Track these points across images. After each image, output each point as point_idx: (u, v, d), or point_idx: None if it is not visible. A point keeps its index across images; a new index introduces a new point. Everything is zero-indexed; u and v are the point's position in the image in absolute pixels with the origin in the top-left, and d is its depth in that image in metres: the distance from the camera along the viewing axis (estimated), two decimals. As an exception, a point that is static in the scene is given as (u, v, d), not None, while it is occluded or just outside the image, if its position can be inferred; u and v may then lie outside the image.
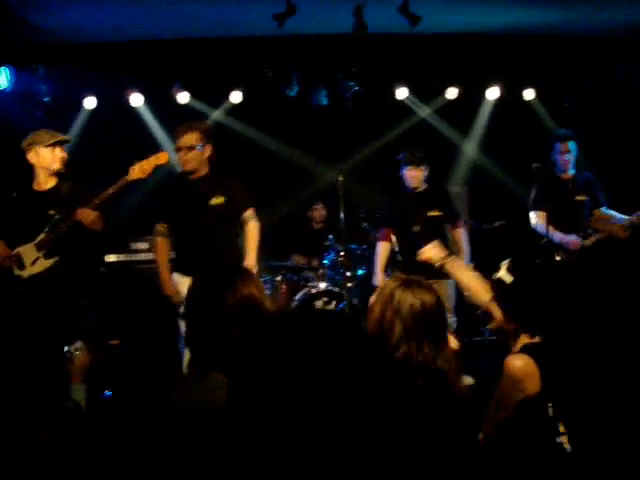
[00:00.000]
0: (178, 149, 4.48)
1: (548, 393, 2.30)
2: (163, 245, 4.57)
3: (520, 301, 2.52)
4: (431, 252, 3.08)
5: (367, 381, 1.15)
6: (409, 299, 2.22)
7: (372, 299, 2.37)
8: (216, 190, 4.48)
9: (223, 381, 1.93)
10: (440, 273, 3.10)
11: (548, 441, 2.20)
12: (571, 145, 5.50)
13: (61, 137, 4.43)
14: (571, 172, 5.56)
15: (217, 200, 4.46)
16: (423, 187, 5.45)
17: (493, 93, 7.18)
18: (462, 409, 2.13)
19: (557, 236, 5.32)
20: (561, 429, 2.28)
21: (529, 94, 7.23)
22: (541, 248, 5.29)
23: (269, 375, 1.14)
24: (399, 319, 2.20)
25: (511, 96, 7.22)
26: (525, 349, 2.43)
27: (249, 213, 4.56)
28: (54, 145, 4.33)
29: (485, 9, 6.05)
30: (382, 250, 5.46)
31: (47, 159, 4.34)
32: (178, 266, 4.53)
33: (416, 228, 5.26)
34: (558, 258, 5.14)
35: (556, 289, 2.48)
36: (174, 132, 4.61)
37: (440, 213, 5.39)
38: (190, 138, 4.43)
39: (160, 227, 4.56)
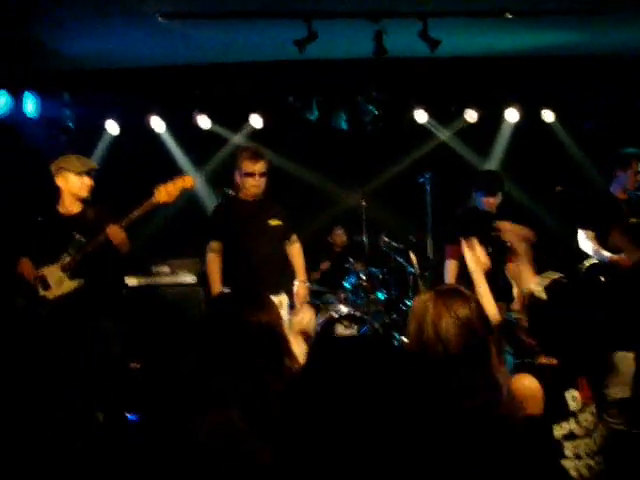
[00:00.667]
0: (250, 174, 4.72)
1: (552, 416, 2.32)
2: (216, 262, 4.78)
3: (548, 321, 2.51)
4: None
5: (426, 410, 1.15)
6: (444, 315, 2.13)
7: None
8: (273, 213, 4.86)
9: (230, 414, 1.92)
10: None
11: (552, 465, 2.22)
12: None
13: (91, 165, 4.50)
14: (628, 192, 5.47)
15: (275, 222, 4.84)
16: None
17: (512, 115, 7.18)
18: (516, 438, 2.05)
19: (606, 255, 5.19)
20: (567, 452, 2.31)
21: (548, 116, 7.23)
22: (580, 272, 5.20)
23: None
24: (436, 336, 2.12)
25: (530, 118, 7.21)
26: (537, 369, 2.45)
27: (294, 236, 5.02)
28: (84, 173, 4.39)
29: (502, 32, 6.07)
30: (450, 268, 5.20)
31: (76, 186, 4.39)
32: (230, 284, 4.67)
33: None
34: (603, 279, 5.01)
35: (586, 316, 2.49)
36: (240, 157, 4.80)
37: None
38: (263, 165, 4.76)
39: (214, 244, 4.78)
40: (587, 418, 2.39)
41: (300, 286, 4.97)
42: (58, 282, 4.32)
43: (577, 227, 5.43)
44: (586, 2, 5.35)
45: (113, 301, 4.61)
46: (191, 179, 4.49)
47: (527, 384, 2.34)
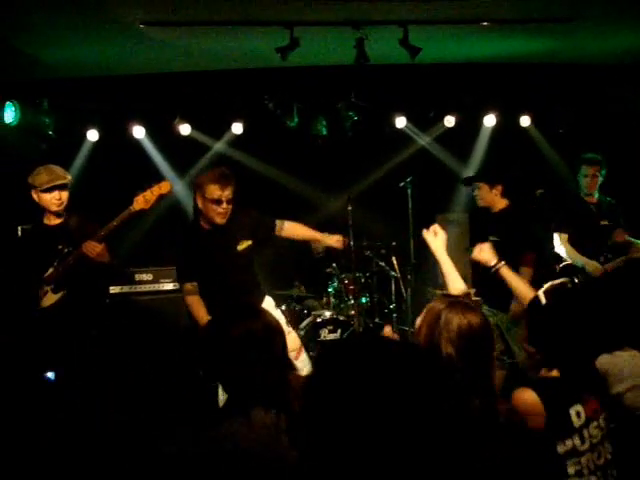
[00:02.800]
0: (217, 201, 4.17)
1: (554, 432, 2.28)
2: (198, 303, 4.24)
3: (547, 327, 2.50)
4: (485, 254, 3.14)
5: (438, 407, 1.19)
6: (456, 320, 2.21)
7: (418, 321, 2.36)
8: (240, 234, 4.38)
9: (267, 417, 1.95)
10: None
11: None
12: (598, 169, 5.51)
13: (58, 181, 4.33)
14: (596, 196, 5.60)
15: (243, 245, 4.37)
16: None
17: (490, 120, 7.29)
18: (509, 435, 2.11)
19: (580, 260, 5.32)
20: (569, 470, 2.28)
21: (525, 120, 7.35)
22: (560, 272, 5.31)
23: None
24: (446, 340, 2.19)
25: (508, 123, 7.33)
26: (538, 383, 2.42)
27: (279, 222, 4.57)
28: (51, 190, 4.31)
29: (480, 39, 6.18)
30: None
31: (45, 201, 4.35)
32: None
33: None
34: (576, 280, 5.10)
35: (578, 319, 2.47)
36: (204, 180, 4.23)
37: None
38: (231, 190, 4.22)
39: (190, 286, 4.26)
40: (592, 433, 2.35)
41: (327, 238, 4.64)
42: (44, 295, 4.33)
43: (552, 230, 5.55)
44: (560, 12, 5.47)
45: (97, 311, 4.60)
46: (168, 185, 4.45)
47: (527, 398, 2.32)
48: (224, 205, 4.19)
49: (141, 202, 4.31)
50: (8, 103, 6.09)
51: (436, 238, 3.16)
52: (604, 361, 2.82)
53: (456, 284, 2.97)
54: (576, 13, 5.47)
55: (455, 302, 2.29)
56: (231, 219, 4.29)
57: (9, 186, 5.59)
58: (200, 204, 4.24)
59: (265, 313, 2.29)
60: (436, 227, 3.19)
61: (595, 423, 2.37)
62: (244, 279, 4.37)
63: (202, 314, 4.17)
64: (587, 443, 2.33)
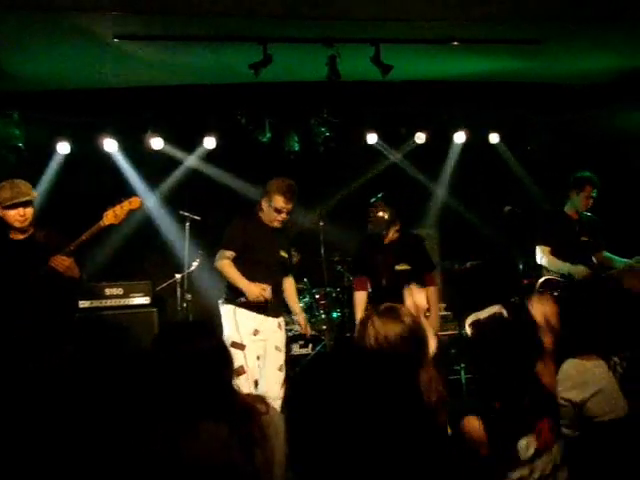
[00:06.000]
0: (278, 211, 4.77)
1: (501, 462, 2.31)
2: (232, 265, 4.75)
3: (475, 359, 2.57)
4: (420, 299, 3.04)
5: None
6: (372, 330, 2.32)
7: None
8: (283, 244, 4.98)
9: (217, 430, 1.96)
10: None
11: None
12: (596, 191, 5.60)
13: (22, 198, 4.24)
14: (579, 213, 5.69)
15: (283, 253, 4.97)
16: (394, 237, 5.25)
17: (460, 137, 7.40)
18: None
19: (565, 267, 5.41)
20: None
21: (494, 138, 7.48)
22: (526, 288, 5.39)
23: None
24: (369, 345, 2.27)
25: (477, 140, 7.45)
26: (488, 411, 2.44)
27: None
28: (14, 206, 4.23)
29: (451, 58, 6.28)
30: (358, 300, 5.23)
31: (8, 217, 4.26)
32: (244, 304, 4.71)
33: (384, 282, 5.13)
34: (556, 294, 5.16)
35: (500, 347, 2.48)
36: (275, 189, 4.76)
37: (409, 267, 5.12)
38: (293, 205, 4.85)
39: (229, 254, 4.75)
40: (543, 464, 2.36)
41: (301, 317, 5.15)
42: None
43: (535, 243, 5.63)
44: (528, 34, 5.60)
45: (69, 326, 4.55)
46: (138, 200, 4.46)
47: (472, 427, 2.35)
48: (283, 215, 4.80)
49: (111, 217, 4.32)
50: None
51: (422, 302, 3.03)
52: (567, 367, 2.88)
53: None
54: (544, 35, 5.60)
55: (381, 311, 2.37)
56: (281, 229, 4.91)
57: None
58: (264, 205, 4.83)
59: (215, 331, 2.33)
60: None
61: (548, 454, 2.38)
62: (277, 286, 4.87)
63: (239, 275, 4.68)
64: (537, 473, 2.35)
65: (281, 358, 4.79)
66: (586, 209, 5.68)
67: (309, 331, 5.28)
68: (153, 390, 2.03)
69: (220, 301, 4.86)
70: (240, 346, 4.56)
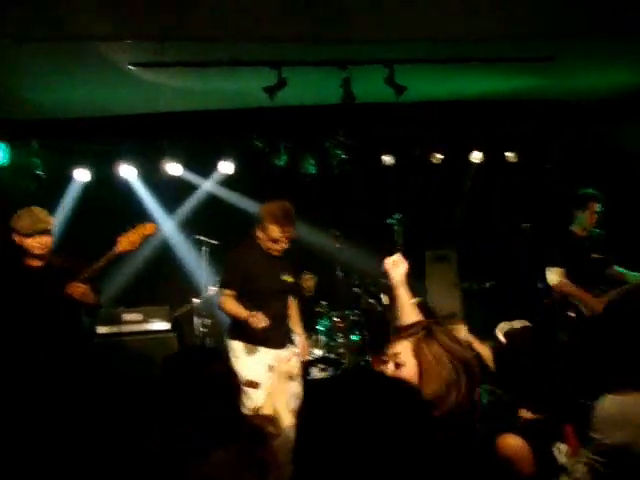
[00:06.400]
0: (275, 241, 4.47)
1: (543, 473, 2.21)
2: (233, 299, 4.51)
3: (509, 368, 2.47)
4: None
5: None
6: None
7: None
8: (287, 268, 4.67)
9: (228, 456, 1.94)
10: None
11: None
12: (601, 205, 5.55)
13: (41, 226, 4.27)
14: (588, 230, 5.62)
15: (289, 278, 4.65)
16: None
17: (476, 156, 7.37)
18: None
19: (577, 294, 5.28)
20: None
21: (511, 157, 7.44)
22: (548, 307, 5.30)
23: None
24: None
25: (494, 158, 7.41)
26: (523, 427, 2.35)
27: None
28: (33, 234, 4.25)
29: (465, 78, 6.27)
30: None
31: (28, 245, 4.27)
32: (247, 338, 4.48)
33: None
34: (572, 314, 5.07)
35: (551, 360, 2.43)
36: (270, 218, 4.47)
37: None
38: (292, 230, 4.53)
39: (230, 292, 4.51)
40: (579, 469, 2.29)
41: (301, 340, 4.84)
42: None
43: (545, 266, 5.54)
44: (541, 51, 5.58)
45: (85, 351, 4.55)
46: (153, 226, 4.46)
47: (513, 444, 2.25)
48: (282, 244, 4.47)
49: (125, 243, 4.31)
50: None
51: (396, 268, 2.86)
52: (608, 405, 2.47)
53: (411, 317, 2.70)
54: (557, 52, 5.58)
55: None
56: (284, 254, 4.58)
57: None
58: (259, 234, 4.52)
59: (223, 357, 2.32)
60: (397, 257, 3.00)
61: (581, 459, 2.31)
62: (281, 303, 4.62)
63: (240, 307, 4.39)
64: (577, 474, 2.28)
65: (296, 386, 4.40)
66: (593, 226, 5.60)
67: (307, 355, 4.98)
68: (162, 414, 2.02)
69: (226, 337, 4.66)
70: (254, 384, 4.19)
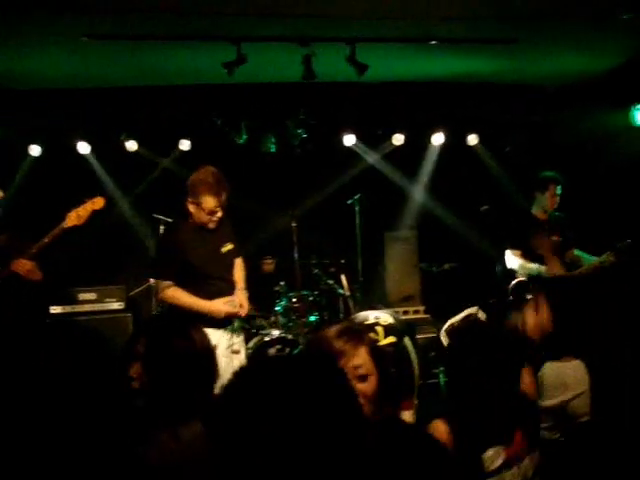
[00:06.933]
0: (212, 212, 4.06)
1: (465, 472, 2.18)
2: (179, 290, 4.08)
3: (451, 367, 2.50)
4: None
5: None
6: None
7: None
8: (226, 237, 4.29)
9: (197, 432, 1.91)
10: None
11: None
12: (561, 187, 5.59)
13: None
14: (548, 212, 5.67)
15: (227, 247, 4.27)
16: None
17: (438, 138, 7.38)
18: None
19: (534, 268, 5.33)
20: None
21: (472, 139, 7.46)
22: (514, 289, 5.33)
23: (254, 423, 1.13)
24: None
25: (455, 141, 7.43)
26: (458, 416, 2.33)
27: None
28: None
29: (428, 58, 6.24)
30: None
31: None
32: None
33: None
34: (529, 297, 5.10)
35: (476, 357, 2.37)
36: (198, 190, 4.04)
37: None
38: (226, 195, 4.10)
39: (167, 283, 4.08)
40: (512, 477, 2.25)
41: (241, 294, 4.32)
42: None
43: (504, 247, 5.58)
44: (505, 33, 5.57)
45: (36, 331, 4.43)
46: (101, 200, 4.43)
47: (438, 431, 2.22)
48: (219, 214, 4.06)
49: (73, 218, 4.28)
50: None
51: None
52: (547, 371, 2.85)
53: None
54: (521, 35, 5.58)
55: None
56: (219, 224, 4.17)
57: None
58: (192, 209, 4.06)
59: (199, 331, 2.26)
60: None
61: (517, 466, 2.27)
62: (226, 279, 4.21)
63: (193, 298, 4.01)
64: None
65: (242, 359, 4.27)
66: (553, 208, 5.65)
67: (245, 312, 4.32)
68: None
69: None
70: None
